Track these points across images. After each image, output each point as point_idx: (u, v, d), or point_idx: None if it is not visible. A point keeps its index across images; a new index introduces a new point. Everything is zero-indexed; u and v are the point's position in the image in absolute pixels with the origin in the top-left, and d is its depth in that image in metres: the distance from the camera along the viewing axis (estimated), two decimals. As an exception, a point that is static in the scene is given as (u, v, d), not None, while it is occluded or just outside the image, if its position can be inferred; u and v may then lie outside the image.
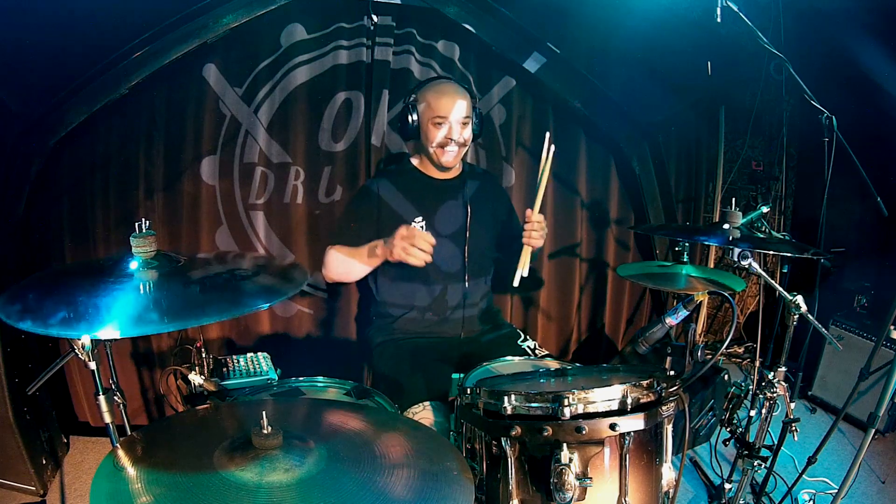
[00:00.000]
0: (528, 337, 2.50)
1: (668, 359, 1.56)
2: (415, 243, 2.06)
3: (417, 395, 2.10)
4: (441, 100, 2.29)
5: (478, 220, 2.46)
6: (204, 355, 1.90)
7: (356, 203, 2.52)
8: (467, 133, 2.36)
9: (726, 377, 2.13)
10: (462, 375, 1.95)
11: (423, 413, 1.99)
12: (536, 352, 2.42)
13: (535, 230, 2.24)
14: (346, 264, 2.32)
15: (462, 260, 2.44)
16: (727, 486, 2.29)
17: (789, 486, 2.47)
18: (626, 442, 1.35)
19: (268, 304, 1.31)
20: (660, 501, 1.45)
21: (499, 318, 2.64)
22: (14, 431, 2.34)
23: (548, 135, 2.32)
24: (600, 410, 1.36)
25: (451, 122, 2.30)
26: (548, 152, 2.28)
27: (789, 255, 2.34)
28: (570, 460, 1.29)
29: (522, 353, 2.37)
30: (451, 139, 2.31)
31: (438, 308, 2.44)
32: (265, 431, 1.17)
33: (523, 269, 2.25)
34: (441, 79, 2.44)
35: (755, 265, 1.91)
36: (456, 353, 2.35)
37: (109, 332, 1.12)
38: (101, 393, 1.35)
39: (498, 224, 2.58)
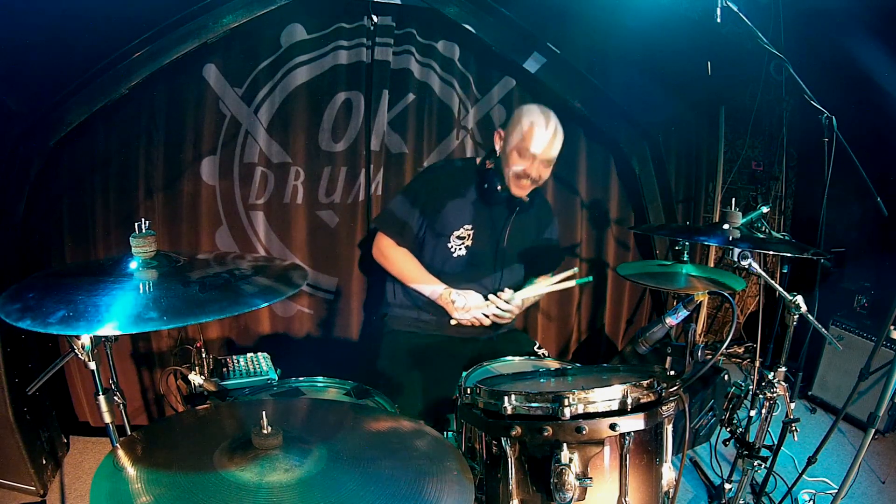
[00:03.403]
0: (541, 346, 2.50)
1: (668, 359, 1.56)
2: (500, 315, 2.26)
3: (420, 394, 2.12)
4: (536, 133, 2.20)
5: (520, 235, 2.44)
6: (204, 355, 1.90)
7: (439, 175, 2.48)
8: (546, 174, 2.30)
9: (726, 377, 2.13)
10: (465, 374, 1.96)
11: None
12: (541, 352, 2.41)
13: (503, 313, 2.28)
14: (405, 273, 2.36)
15: (494, 270, 2.42)
16: (727, 486, 2.29)
17: (789, 486, 2.47)
18: (627, 442, 1.35)
19: (266, 303, 1.31)
20: (660, 501, 1.45)
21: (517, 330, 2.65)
22: (14, 431, 2.33)
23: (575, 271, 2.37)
24: (600, 410, 1.36)
25: (537, 159, 2.22)
26: (568, 278, 2.34)
27: (789, 255, 2.34)
28: (570, 460, 1.29)
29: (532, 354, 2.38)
30: (529, 175, 2.25)
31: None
32: (265, 431, 1.17)
33: (525, 294, 2.33)
34: (543, 106, 2.30)
35: (755, 265, 1.91)
36: (467, 352, 2.35)
37: (109, 330, 1.12)
38: (101, 393, 1.35)
39: (540, 241, 2.55)
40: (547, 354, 2.40)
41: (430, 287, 2.31)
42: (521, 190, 2.30)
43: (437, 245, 2.36)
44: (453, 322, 2.28)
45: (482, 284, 2.39)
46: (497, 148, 2.33)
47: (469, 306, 2.26)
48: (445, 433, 2.04)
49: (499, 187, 2.27)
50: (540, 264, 2.53)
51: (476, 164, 2.45)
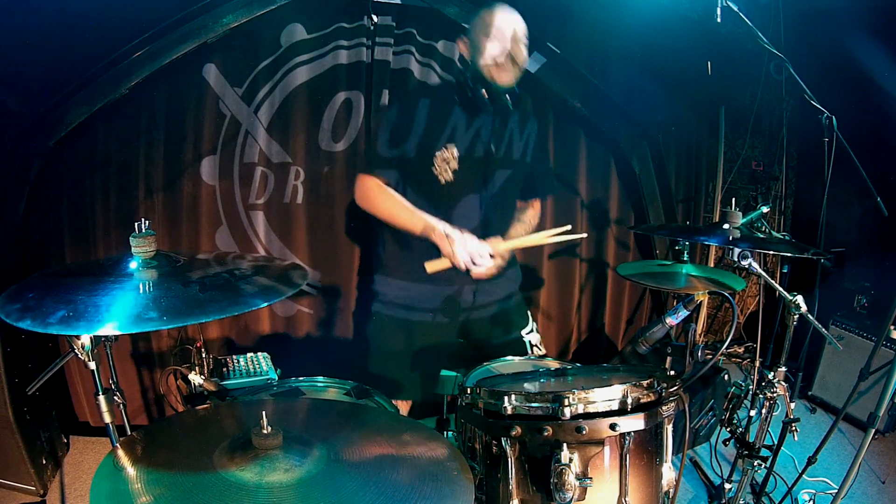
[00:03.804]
0: (535, 329, 2.44)
1: (668, 359, 1.56)
2: (480, 262, 2.05)
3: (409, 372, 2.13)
4: (499, 13, 2.09)
5: (508, 143, 2.25)
6: (204, 355, 1.90)
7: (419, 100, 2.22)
8: (523, 54, 2.12)
9: (726, 377, 2.13)
10: (459, 375, 1.94)
11: None
12: (535, 350, 2.39)
13: (482, 265, 2.09)
14: (394, 212, 2.16)
15: (485, 188, 2.24)
16: (727, 486, 2.29)
17: (789, 486, 2.47)
18: (627, 442, 1.35)
19: (266, 303, 1.31)
20: (660, 501, 1.45)
21: (515, 289, 2.48)
22: (14, 431, 2.33)
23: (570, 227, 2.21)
24: (600, 410, 1.36)
25: (508, 37, 2.07)
26: (561, 233, 2.18)
27: (789, 255, 2.34)
28: (571, 460, 1.29)
29: (522, 345, 2.35)
30: (508, 52, 2.07)
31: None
32: (265, 431, 1.17)
33: (516, 244, 2.20)
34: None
35: (755, 265, 1.91)
36: (461, 319, 2.29)
37: (109, 330, 1.12)
38: (101, 393, 1.35)
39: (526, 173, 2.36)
40: (536, 340, 2.39)
41: (423, 221, 2.11)
42: (505, 74, 2.10)
43: (422, 174, 2.18)
44: (429, 269, 2.09)
45: (473, 214, 2.24)
46: (466, 55, 2.17)
47: (466, 240, 2.07)
48: (445, 433, 2.05)
49: (482, 90, 2.11)
50: (532, 185, 2.39)
51: (452, 82, 2.30)
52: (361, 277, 3.13)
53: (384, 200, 2.18)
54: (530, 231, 2.35)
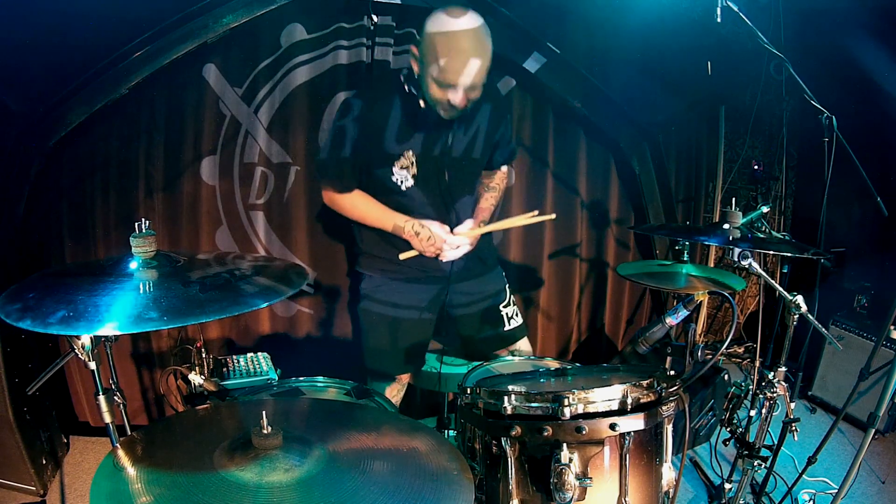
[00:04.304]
0: (511, 301, 2.52)
1: (668, 359, 1.56)
2: (442, 247, 2.16)
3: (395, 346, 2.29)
4: (453, 63, 1.88)
5: (471, 144, 2.23)
6: (204, 355, 1.90)
7: (363, 107, 2.12)
8: (478, 93, 1.99)
9: (726, 377, 2.13)
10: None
11: None
12: (513, 321, 2.47)
13: (455, 249, 2.20)
14: (364, 213, 2.22)
15: (450, 194, 2.24)
16: (727, 486, 2.29)
17: (789, 486, 2.47)
18: (626, 442, 1.35)
19: (266, 303, 1.31)
20: (660, 501, 1.45)
21: (490, 261, 2.52)
22: (14, 431, 2.34)
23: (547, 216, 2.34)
24: (600, 410, 1.36)
25: (461, 88, 1.92)
26: (530, 216, 2.29)
27: (789, 255, 2.34)
28: (570, 460, 1.29)
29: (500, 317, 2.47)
30: (456, 106, 1.97)
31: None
32: (265, 431, 1.17)
33: (485, 230, 2.28)
34: (455, 17, 1.90)
35: (755, 265, 1.91)
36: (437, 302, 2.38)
37: (109, 330, 1.12)
38: (101, 393, 1.35)
39: (495, 141, 2.33)
40: (514, 315, 2.50)
41: (392, 220, 2.17)
42: (450, 113, 2.01)
43: (383, 182, 2.18)
44: (402, 256, 2.18)
45: (440, 214, 2.25)
46: (415, 69, 2.02)
47: (434, 238, 2.14)
48: (445, 433, 2.05)
49: (426, 108, 2.02)
50: (495, 156, 2.39)
51: (398, 85, 2.11)
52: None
53: (352, 203, 2.23)
54: (501, 194, 2.45)
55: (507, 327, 2.46)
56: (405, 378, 2.46)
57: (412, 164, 2.16)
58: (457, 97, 1.94)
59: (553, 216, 2.41)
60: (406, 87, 2.07)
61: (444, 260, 2.22)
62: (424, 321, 2.39)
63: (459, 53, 1.87)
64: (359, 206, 2.22)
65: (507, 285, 2.55)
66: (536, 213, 2.28)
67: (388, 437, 1.36)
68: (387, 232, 2.21)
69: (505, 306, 2.47)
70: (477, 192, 2.40)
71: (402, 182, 2.18)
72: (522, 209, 2.36)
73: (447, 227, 2.21)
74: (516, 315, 2.51)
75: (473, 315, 2.45)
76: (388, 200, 2.21)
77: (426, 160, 2.17)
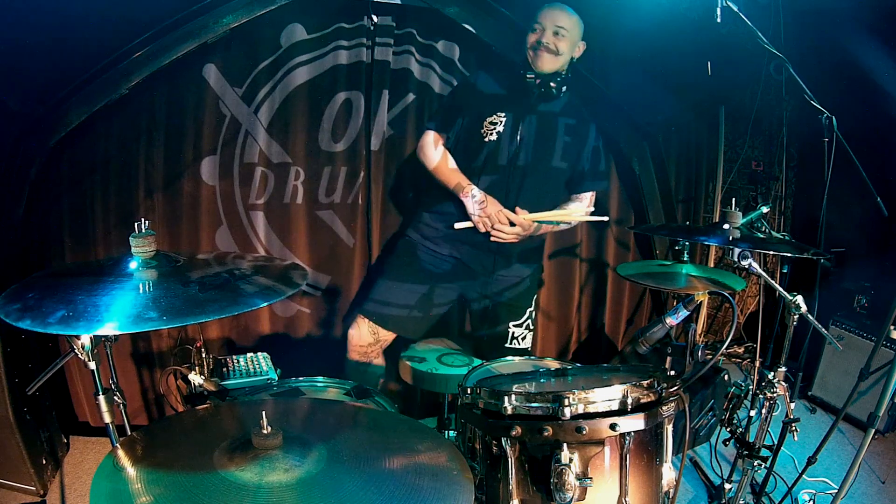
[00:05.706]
0: (527, 326, 2.56)
1: (668, 359, 1.56)
2: (502, 230, 2.28)
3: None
4: (543, 8, 2.35)
5: (548, 124, 2.44)
6: (204, 355, 1.90)
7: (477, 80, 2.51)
8: (563, 46, 2.33)
9: (726, 377, 2.13)
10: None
11: None
12: (516, 343, 2.53)
13: (506, 232, 2.30)
14: (439, 167, 2.43)
15: (519, 155, 2.41)
16: (727, 486, 2.29)
17: (789, 486, 2.47)
18: (627, 442, 1.35)
19: (266, 303, 1.31)
20: (660, 501, 1.45)
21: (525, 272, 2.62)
22: (14, 431, 2.33)
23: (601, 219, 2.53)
24: (600, 410, 1.36)
25: (546, 27, 2.31)
26: (585, 214, 2.45)
27: (789, 255, 2.34)
28: (571, 460, 1.29)
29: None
30: (542, 42, 2.31)
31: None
32: (265, 431, 1.17)
33: (538, 216, 2.35)
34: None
35: (755, 265, 1.91)
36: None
37: (109, 330, 1.12)
38: (101, 393, 1.35)
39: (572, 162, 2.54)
40: (527, 333, 2.53)
41: (457, 180, 2.37)
42: (541, 62, 2.33)
43: (470, 135, 2.42)
44: (457, 225, 2.33)
45: (503, 175, 2.41)
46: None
47: (486, 204, 2.30)
48: (446, 433, 2.05)
49: (523, 72, 2.36)
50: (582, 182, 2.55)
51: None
52: (361, 277, 3.13)
53: (436, 156, 2.44)
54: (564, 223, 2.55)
55: (508, 344, 2.53)
56: (385, 337, 2.55)
57: (501, 122, 2.40)
58: (543, 36, 2.34)
59: (606, 218, 2.61)
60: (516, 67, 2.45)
61: (493, 239, 2.33)
62: (448, 291, 2.53)
63: (550, 6, 2.35)
64: (442, 160, 2.44)
65: (530, 309, 2.60)
66: (592, 209, 2.48)
67: (388, 437, 1.36)
68: (449, 203, 2.41)
69: (516, 325, 2.51)
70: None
71: (486, 135, 2.40)
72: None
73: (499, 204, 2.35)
74: (523, 339, 2.55)
75: (484, 314, 2.52)
76: (470, 148, 2.43)
77: (512, 121, 2.40)
